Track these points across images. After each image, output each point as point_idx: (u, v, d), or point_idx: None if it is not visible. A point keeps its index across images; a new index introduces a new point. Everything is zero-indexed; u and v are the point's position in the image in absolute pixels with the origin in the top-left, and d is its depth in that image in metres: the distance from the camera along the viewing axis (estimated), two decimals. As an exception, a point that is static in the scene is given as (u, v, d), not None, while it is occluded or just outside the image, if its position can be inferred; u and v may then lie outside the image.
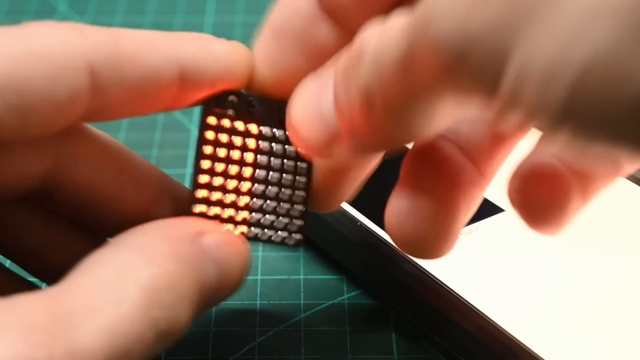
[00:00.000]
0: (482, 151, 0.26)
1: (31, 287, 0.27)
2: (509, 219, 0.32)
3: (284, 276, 0.33)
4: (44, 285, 0.29)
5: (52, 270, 0.26)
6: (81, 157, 0.26)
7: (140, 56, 0.24)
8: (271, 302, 0.32)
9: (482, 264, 0.31)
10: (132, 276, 0.22)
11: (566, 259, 0.31)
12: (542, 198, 0.25)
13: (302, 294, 0.32)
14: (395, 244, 0.26)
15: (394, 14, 0.22)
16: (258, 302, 0.32)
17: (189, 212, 0.26)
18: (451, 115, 0.22)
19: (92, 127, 0.27)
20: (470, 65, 0.19)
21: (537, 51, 0.18)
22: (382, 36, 0.21)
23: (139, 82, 0.24)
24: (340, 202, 0.28)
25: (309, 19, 0.26)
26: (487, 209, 0.33)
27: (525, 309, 0.29)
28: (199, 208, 0.26)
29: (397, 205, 0.26)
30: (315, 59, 0.25)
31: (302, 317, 0.32)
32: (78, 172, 0.26)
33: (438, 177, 0.26)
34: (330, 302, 0.32)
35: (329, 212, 0.28)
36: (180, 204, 0.27)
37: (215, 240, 0.25)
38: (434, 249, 0.26)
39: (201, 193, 0.26)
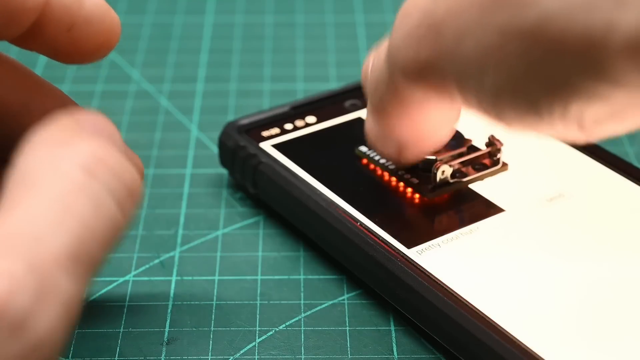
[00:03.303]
0: None
1: None
2: (509, 219, 0.33)
3: (284, 276, 0.33)
4: None
5: None
6: None
7: None
8: (271, 302, 0.32)
9: (482, 264, 0.31)
10: (63, 161, 0.21)
11: (566, 259, 0.31)
12: None
13: (302, 294, 0.32)
14: None
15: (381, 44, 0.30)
16: (258, 302, 0.32)
17: None
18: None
19: None
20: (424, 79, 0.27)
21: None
22: (374, 65, 0.30)
23: None
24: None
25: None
26: (487, 209, 0.33)
27: (526, 308, 0.29)
28: None
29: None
30: None
31: (302, 317, 0.32)
32: None
33: None
34: (330, 302, 0.32)
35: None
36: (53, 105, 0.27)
37: (93, 120, 0.23)
38: None
39: None
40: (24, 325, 0.19)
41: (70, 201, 0.21)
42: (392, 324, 0.31)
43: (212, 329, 0.31)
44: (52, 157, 0.22)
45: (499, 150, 0.34)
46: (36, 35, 0.27)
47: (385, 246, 0.31)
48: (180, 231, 0.35)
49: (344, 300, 0.32)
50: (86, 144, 0.22)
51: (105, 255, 0.22)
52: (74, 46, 0.27)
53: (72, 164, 0.21)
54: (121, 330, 0.31)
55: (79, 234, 0.21)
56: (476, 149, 0.35)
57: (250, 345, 0.31)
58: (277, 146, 0.36)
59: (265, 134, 0.37)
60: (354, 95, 0.39)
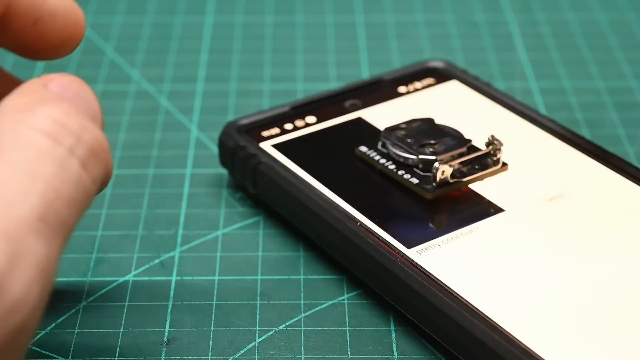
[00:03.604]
0: None
1: None
2: (509, 219, 0.33)
3: (284, 276, 0.33)
4: None
5: None
6: None
7: None
8: (271, 302, 0.32)
9: (482, 264, 0.31)
10: (24, 128, 0.22)
11: (566, 258, 0.31)
12: None
13: (302, 294, 0.32)
14: None
15: None
16: (258, 302, 0.32)
17: None
18: None
19: None
20: None
21: None
22: None
23: None
24: None
25: None
26: (487, 209, 0.33)
27: (526, 308, 0.29)
28: None
29: None
30: None
31: (302, 317, 0.32)
32: None
33: None
34: (330, 302, 0.32)
35: None
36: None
37: (59, 81, 0.24)
38: None
39: None
40: None
41: (35, 165, 0.21)
42: (392, 324, 0.31)
43: (212, 329, 0.31)
44: (14, 123, 0.22)
45: (499, 150, 0.34)
46: (2, 30, 0.27)
47: (385, 246, 0.31)
48: (180, 231, 0.35)
49: (344, 300, 0.32)
50: (47, 109, 0.23)
51: (76, 217, 0.22)
52: (40, 41, 0.28)
53: (33, 129, 0.22)
54: (121, 330, 0.31)
55: (46, 196, 0.21)
56: (476, 149, 0.35)
57: (250, 345, 0.31)
58: (277, 146, 0.36)
59: (265, 134, 0.37)
60: (354, 95, 0.39)
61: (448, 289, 0.29)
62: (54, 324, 0.31)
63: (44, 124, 0.22)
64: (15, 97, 0.23)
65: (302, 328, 0.31)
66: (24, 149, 0.22)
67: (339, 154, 0.36)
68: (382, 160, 0.35)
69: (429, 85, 0.40)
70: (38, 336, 0.31)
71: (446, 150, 0.34)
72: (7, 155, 0.21)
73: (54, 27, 0.28)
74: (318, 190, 0.34)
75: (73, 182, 0.22)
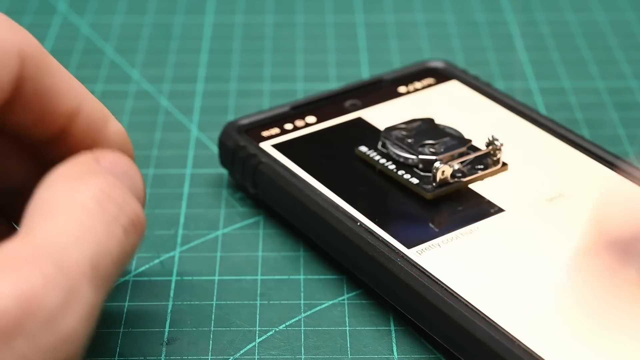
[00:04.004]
0: None
1: None
2: (509, 219, 0.33)
3: (284, 276, 0.33)
4: None
5: None
6: None
7: (59, 72, 0.27)
8: (271, 302, 0.32)
9: (482, 264, 0.31)
10: (76, 193, 0.24)
11: (566, 259, 0.31)
12: None
13: (302, 294, 0.32)
14: None
15: None
16: (258, 302, 0.32)
17: None
18: None
19: None
20: None
21: None
22: None
23: (47, 92, 0.27)
24: None
25: None
26: (487, 209, 0.33)
27: (526, 308, 0.29)
28: None
29: None
30: None
31: (302, 317, 0.32)
32: None
33: None
34: (330, 302, 0.32)
35: None
36: None
37: (110, 158, 0.27)
38: None
39: None
40: (56, 319, 0.22)
41: (86, 222, 0.24)
42: (392, 324, 0.31)
43: (212, 329, 0.31)
44: (66, 188, 0.25)
45: (499, 150, 0.34)
46: (57, 143, 0.28)
47: (385, 246, 0.31)
48: (180, 231, 0.35)
49: (344, 300, 0.32)
50: (96, 179, 0.25)
51: (116, 275, 0.24)
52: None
53: (83, 195, 0.24)
54: (121, 330, 0.31)
55: (96, 249, 0.23)
56: (476, 149, 0.35)
57: (250, 345, 0.31)
58: (277, 146, 0.36)
59: (265, 134, 0.37)
60: (354, 95, 0.39)
61: (448, 289, 0.29)
62: (54, 324, 0.31)
63: (93, 192, 0.24)
64: (69, 166, 0.26)
65: (302, 328, 0.31)
66: (76, 208, 0.24)
67: (339, 154, 0.36)
68: (382, 160, 0.35)
69: (429, 85, 0.40)
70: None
71: (446, 150, 0.34)
72: (61, 212, 0.24)
73: None
74: (318, 190, 0.34)
75: (117, 242, 0.24)
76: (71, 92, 0.28)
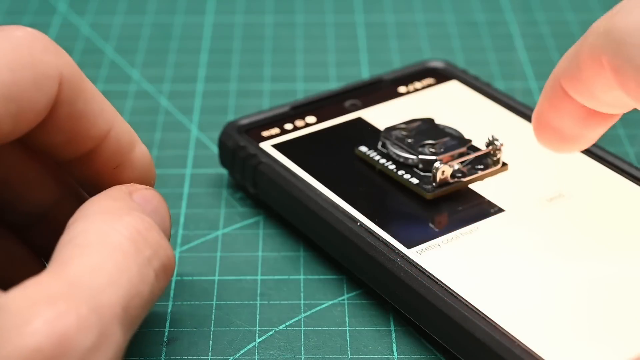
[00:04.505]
0: None
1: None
2: (509, 219, 0.33)
3: (284, 276, 0.33)
4: None
5: None
6: None
7: (93, 96, 0.27)
8: (271, 302, 0.32)
9: (482, 264, 0.31)
10: (113, 231, 0.24)
11: (566, 258, 0.31)
12: None
13: (302, 294, 0.32)
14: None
15: None
16: (258, 302, 0.32)
17: None
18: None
19: None
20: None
21: None
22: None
23: (81, 115, 0.27)
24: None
25: None
26: (487, 209, 0.33)
27: (526, 308, 0.29)
28: None
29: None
30: None
31: (302, 317, 0.32)
32: None
33: None
34: (330, 302, 0.32)
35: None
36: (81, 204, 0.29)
37: (143, 194, 0.28)
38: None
39: None
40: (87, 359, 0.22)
41: (122, 263, 0.24)
42: (392, 324, 0.31)
43: (212, 329, 0.31)
44: (102, 224, 0.25)
45: (499, 150, 0.34)
46: (83, 165, 0.28)
47: (385, 246, 0.31)
48: (180, 231, 0.35)
49: (344, 300, 0.32)
50: (132, 219, 0.25)
51: (143, 317, 0.25)
52: (110, 181, 0.29)
53: (120, 234, 0.24)
54: (121, 330, 0.31)
55: (129, 291, 0.24)
56: (476, 149, 0.35)
57: (250, 345, 0.31)
58: (277, 146, 0.36)
59: (265, 134, 0.37)
60: (354, 95, 0.39)
61: (448, 289, 0.29)
62: (54, 324, 0.31)
63: (130, 231, 0.25)
64: (103, 200, 0.26)
65: (302, 328, 0.31)
66: (112, 247, 0.24)
67: (339, 154, 0.36)
68: (382, 160, 0.35)
69: (429, 85, 0.40)
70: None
71: (446, 150, 0.34)
72: (97, 250, 0.24)
73: (130, 177, 0.29)
74: (318, 190, 0.34)
75: (148, 285, 0.25)
76: (103, 116, 0.28)
